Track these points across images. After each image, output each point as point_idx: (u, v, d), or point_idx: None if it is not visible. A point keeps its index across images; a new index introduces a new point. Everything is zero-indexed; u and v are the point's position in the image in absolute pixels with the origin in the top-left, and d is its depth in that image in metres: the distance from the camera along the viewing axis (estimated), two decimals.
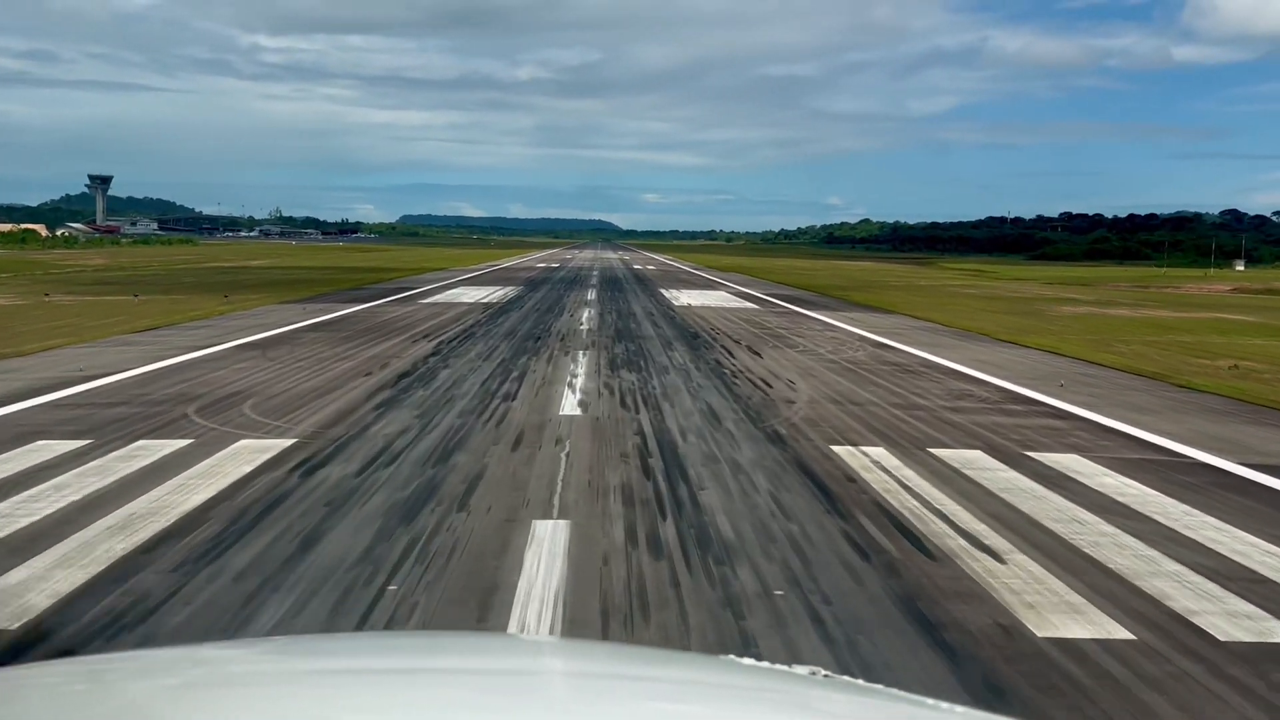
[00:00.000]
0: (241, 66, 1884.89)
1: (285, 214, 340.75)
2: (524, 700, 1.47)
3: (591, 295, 34.22)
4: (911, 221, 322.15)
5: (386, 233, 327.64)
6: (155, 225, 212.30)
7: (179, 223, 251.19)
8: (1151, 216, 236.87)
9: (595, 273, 55.54)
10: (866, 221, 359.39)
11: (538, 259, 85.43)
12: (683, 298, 34.36)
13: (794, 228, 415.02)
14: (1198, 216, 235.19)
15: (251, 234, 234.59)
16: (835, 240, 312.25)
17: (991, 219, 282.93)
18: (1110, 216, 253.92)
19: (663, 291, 38.17)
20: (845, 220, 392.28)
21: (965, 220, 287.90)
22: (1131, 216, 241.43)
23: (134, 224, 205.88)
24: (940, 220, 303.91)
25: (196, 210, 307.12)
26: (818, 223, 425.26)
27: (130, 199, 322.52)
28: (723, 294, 37.74)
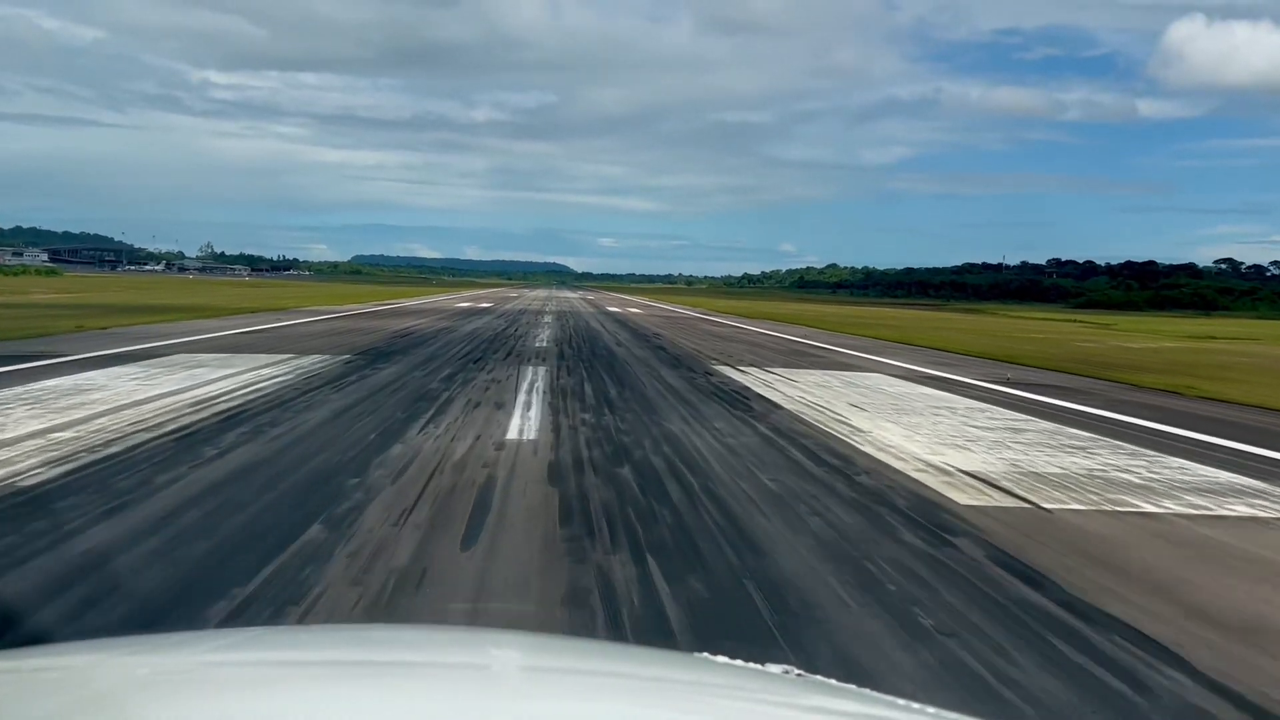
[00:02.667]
0: (192, 103, 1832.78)
1: (220, 250, 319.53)
2: (492, 696, 1.37)
3: (527, 425, 10.54)
4: (882, 267, 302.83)
5: (329, 271, 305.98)
6: (45, 256, 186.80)
7: (76, 254, 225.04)
8: (1151, 263, 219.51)
9: (548, 321, 32.03)
10: (834, 266, 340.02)
11: (464, 298, 61.80)
12: (896, 438, 10.30)
13: (756, 272, 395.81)
14: (1191, 266, 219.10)
15: (157, 267, 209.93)
16: (807, 285, 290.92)
17: (970, 265, 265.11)
18: (1103, 264, 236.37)
19: (758, 389, 14.77)
20: (811, 265, 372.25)
21: (943, 266, 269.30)
22: (1129, 263, 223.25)
23: (19, 254, 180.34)
24: (914, 265, 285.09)
25: (134, 246, 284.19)
26: (774, 268, 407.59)
27: (66, 233, 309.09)
28: (929, 391, 14.33)
